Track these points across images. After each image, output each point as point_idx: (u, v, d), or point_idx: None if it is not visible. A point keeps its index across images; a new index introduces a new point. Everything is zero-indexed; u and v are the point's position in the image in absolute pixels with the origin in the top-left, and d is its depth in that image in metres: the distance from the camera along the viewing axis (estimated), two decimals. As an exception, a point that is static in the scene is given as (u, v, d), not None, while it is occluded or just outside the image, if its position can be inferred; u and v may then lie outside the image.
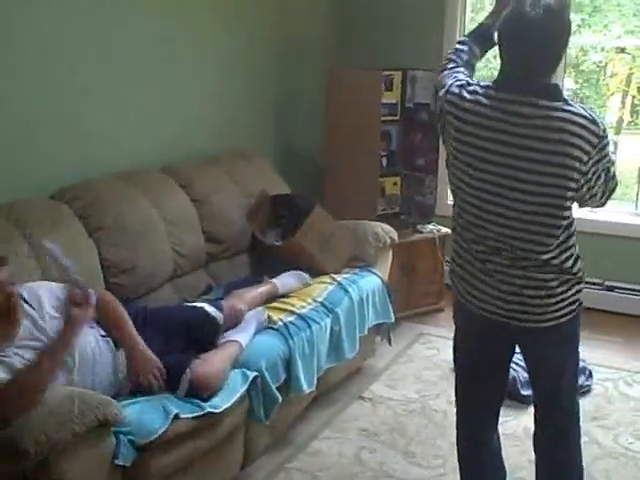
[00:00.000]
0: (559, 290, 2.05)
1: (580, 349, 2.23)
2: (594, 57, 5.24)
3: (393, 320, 3.73)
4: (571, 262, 2.04)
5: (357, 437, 3.15)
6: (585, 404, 3.39)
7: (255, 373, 2.70)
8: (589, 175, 1.94)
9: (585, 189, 1.97)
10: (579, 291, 2.10)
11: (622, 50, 5.21)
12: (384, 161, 4.49)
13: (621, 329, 4.25)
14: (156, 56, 3.57)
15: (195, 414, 2.40)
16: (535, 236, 1.98)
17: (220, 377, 2.57)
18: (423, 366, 3.80)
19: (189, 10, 3.74)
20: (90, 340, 2.43)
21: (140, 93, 3.49)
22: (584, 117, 1.90)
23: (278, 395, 2.77)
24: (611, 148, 1.96)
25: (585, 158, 1.90)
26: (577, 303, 2.10)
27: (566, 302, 2.07)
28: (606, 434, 3.15)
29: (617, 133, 5.63)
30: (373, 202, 4.38)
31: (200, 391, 2.48)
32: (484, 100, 1.98)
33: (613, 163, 2.03)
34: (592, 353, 3.85)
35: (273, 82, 4.49)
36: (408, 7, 4.65)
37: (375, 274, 3.67)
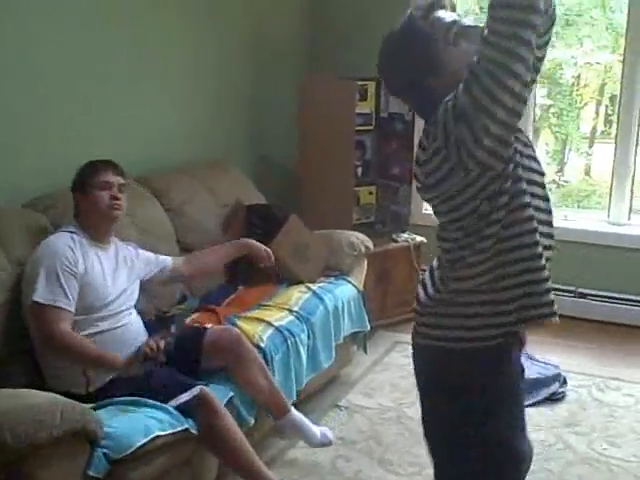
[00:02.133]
0: None
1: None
2: (569, 71, 5.30)
3: (369, 328, 3.74)
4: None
5: (333, 446, 3.13)
6: (559, 410, 3.43)
7: (231, 394, 2.69)
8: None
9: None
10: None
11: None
12: (359, 171, 4.51)
13: (594, 336, 4.29)
14: (130, 67, 3.56)
15: (173, 430, 2.37)
16: None
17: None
18: (399, 374, 3.80)
19: (161, 20, 3.75)
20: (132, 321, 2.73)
21: (114, 103, 3.48)
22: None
23: (250, 419, 2.79)
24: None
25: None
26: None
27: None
28: (580, 440, 3.17)
29: (591, 143, 5.71)
30: (348, 211, 4.39)
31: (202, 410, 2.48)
32: None
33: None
34: (566, 360, 3.90)
35: (248, 92, 4.50)
36: (382, 16, 4.67)
37: (350, 283, 3.68)
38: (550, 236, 1.70)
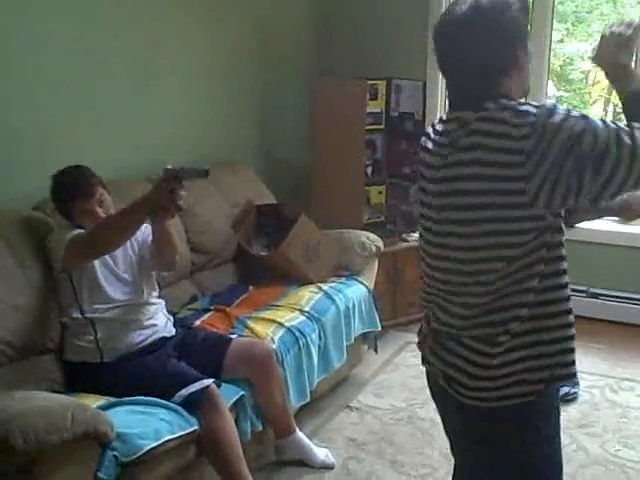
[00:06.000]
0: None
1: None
2: (582, 65, 5.27)
3: (380, 328, 3.73)
4: None
5: (344, 447, 3.14)
6: (572, 411, 3.41)
7: (242, 392, 2.69)
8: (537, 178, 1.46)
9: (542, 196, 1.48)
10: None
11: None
12: (369, 170, 4.50)
13: (606, 336, 4.26)
14: (140, 68, 3.55)
15: (183, 432, 2.38)
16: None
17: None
18: (410, 374, 3.78)
19: (172, 21, 3.74)
20: None
21: (124, 104, 3.48)
22: (502, 121, 1.49)
23: (258, 424, 2.79)
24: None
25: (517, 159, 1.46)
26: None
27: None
28: (593, 441, 3.15)
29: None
30: (359, 211, 4.38)
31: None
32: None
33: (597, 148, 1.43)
34: (578, 360, 3.86)
35: (258, 91, 4.49)
36: (392, 16, 4.66)
37: (361, 283, 3.66)
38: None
